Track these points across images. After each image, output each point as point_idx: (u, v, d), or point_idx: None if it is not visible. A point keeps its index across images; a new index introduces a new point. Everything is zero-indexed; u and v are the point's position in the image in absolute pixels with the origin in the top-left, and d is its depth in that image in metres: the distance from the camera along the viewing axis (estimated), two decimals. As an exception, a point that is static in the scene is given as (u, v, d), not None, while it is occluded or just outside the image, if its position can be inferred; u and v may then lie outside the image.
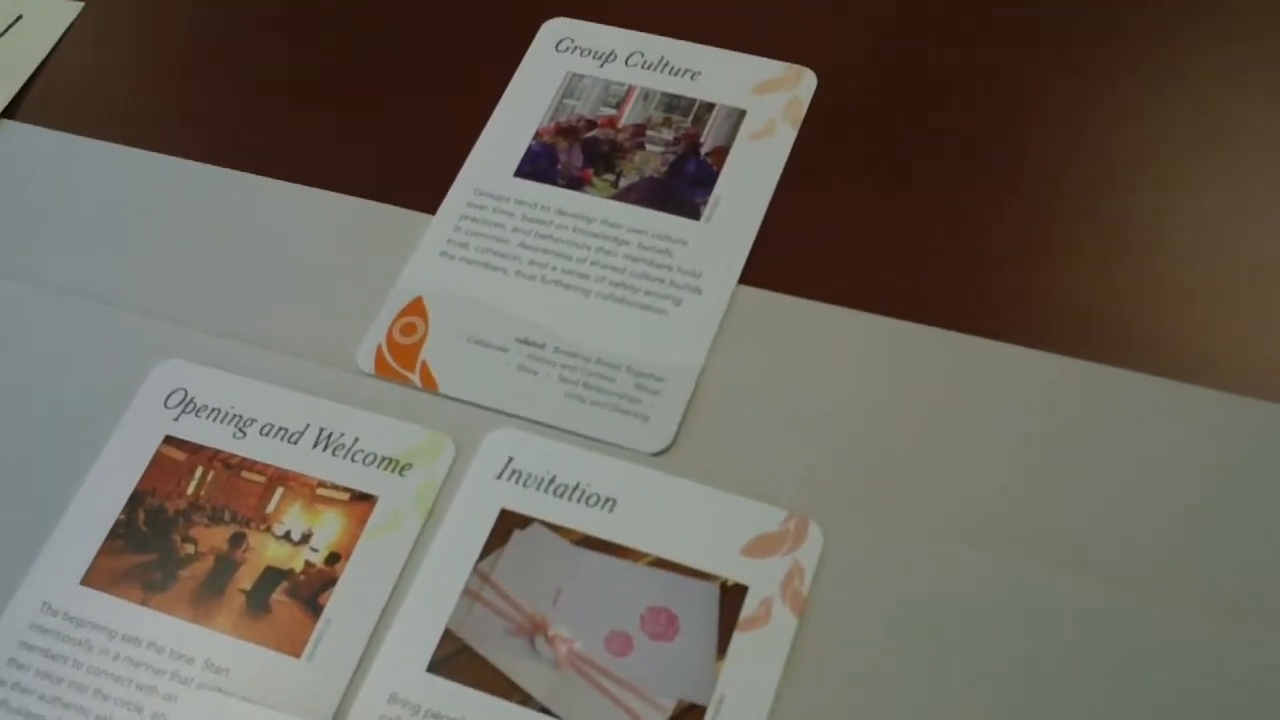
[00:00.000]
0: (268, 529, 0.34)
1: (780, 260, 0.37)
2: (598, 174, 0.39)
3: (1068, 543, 0.32)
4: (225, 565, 0.34)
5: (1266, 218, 0.37)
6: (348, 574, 0.34)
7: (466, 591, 0.33)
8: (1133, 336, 0.35)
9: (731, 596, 0.32)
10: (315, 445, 0.36)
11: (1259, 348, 0.35)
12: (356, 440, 0.36)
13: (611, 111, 0.41)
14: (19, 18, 0.45)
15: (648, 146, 0.40)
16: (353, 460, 0.35)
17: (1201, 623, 0.31)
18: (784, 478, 0.34)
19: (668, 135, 0.40)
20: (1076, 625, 0.31)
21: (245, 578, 0.34)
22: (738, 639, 0.32)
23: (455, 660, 0.32)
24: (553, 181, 0.39)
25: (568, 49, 0.42)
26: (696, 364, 0.36)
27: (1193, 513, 0.32)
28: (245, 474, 0.35)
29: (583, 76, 0.41)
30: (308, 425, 0.36)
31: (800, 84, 0.40)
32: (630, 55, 0.41)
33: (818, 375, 0.35)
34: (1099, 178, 0.38)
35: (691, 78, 0.41)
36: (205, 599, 0.34)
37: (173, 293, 0.39)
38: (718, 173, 0.39)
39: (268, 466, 0.35)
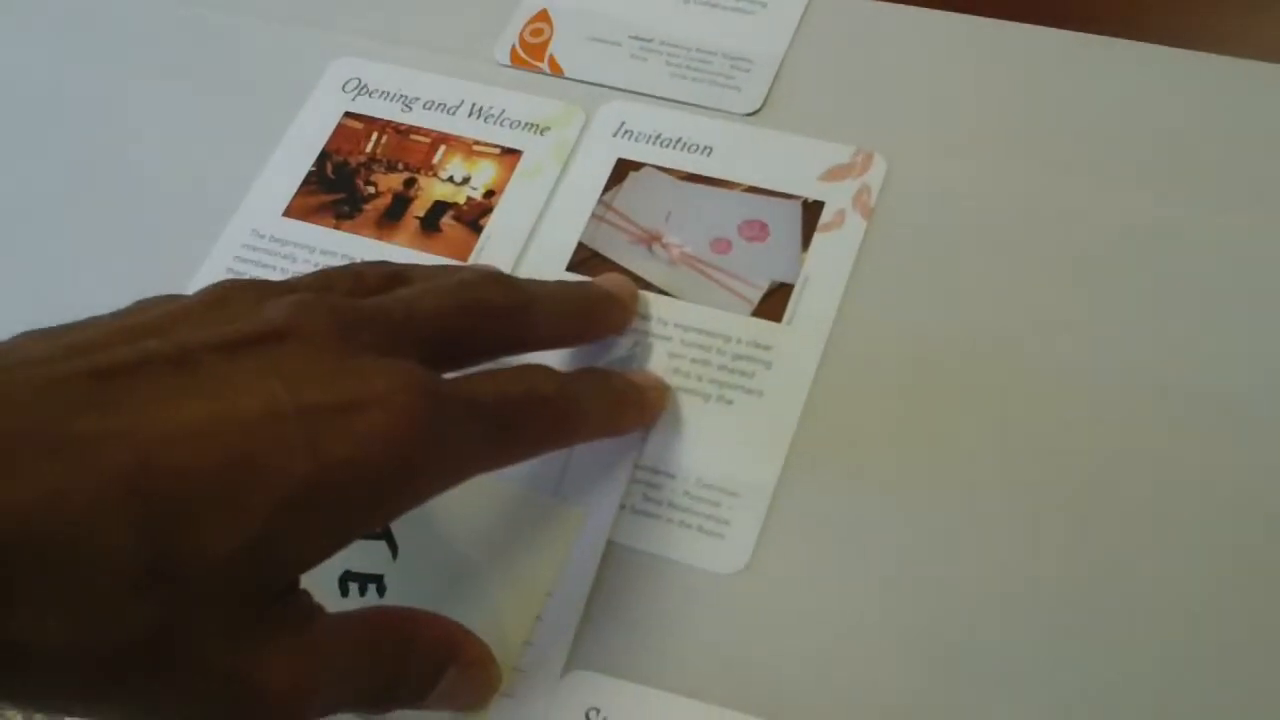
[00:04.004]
0: (434, 174, 0.43)
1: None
2: (691, -85, 0.47)
3: (1112, 160, 0.40)
4: (401, 200, 0.42)
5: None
6: (501, 205, 0.42)
7: (593, 216, 0.41)
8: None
9: (811, 210, 0.40)
10: (470, 115, 0.44)
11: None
12: (503, 111, 0.44)
13: None
14: None
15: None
16: (501, 125, 0.43)
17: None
18: (854, 130, 0.42)
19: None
20: (1121, 236, 0.38)
21: (419, 208, 0.42)
22: (818, 238, 0.40)
23: (588, 262, 0.40)
24: (653, -78, 0.47)
25: None
26: (781, 48, 0.44)
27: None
28: (413, 136, 0.44)
29: None
30: (462, 100, 0.44)
31: None
32: None
33: (885, 55, 0.43)
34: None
35: None
36: (387, 224, 0.42)
37: (342, 9, 0.47)
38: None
39: (431, 131, 0.44)
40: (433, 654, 0.31)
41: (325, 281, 0.32)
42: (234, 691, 0.26)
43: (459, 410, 0.29)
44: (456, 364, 0.32)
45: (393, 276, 0.33)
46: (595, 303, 0.38)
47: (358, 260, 0.41)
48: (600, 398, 0.35)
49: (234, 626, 0.26)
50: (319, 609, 0.29)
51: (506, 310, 0.33)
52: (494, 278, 0.35)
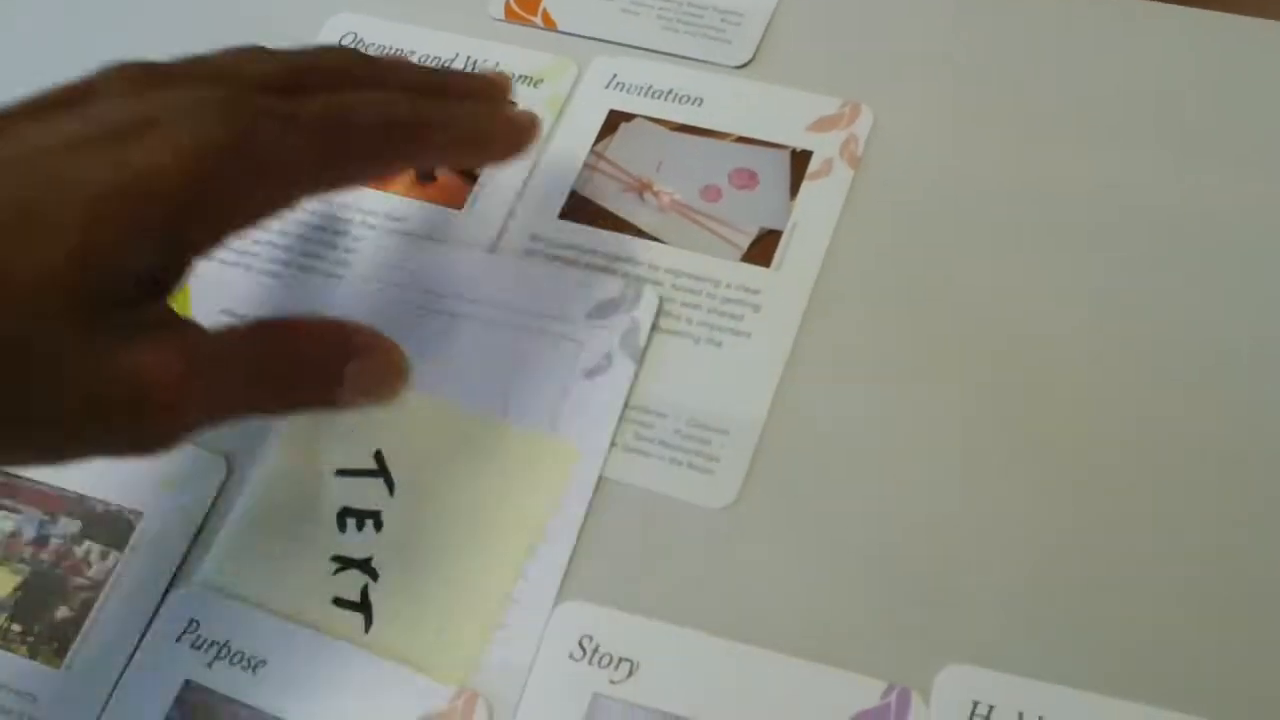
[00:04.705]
0: (429, 125, 0.43)
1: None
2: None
3: (1097, 117, 0.41)
4: (396, 150, 0.43)
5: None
6: (495, 154, 0.42)
7: (586, 165, 0.42)
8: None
9: (800, 159, 0.41)
10: (464, 68, 0.44)
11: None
12: (499, 64, 0.44)
13: None
14: None
15: None
16: (494, 77, 0.44)
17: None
18: (842, 83, 0.42)
19: None
20: (1105, 191, 0.39)
21: (413, 158, 0.43)
22: (806, 186, 0.41)
23: (581, 209, 0.41)
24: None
25: None
26: (771, 2, 0.45)
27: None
28: (408, 88, 0.44)
29: None
30: (458, 53, 0.45)
31: None
32: None
33: (874, 9, 0.44)
34: None
35: None
36: (382, 173, 0.43)
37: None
38: None
39: (426, 82, 0.44)
40: (324, 349, 0.31)
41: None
42: (106, 382, 0.27)
43: (276, 122, 0.30)
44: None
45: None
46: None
47: (352, 208, 0.42)
48: (460, 122, 0.35)
49: (86, 329, 0.27)
50: (193, 322, 0.30)
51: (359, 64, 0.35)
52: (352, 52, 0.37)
